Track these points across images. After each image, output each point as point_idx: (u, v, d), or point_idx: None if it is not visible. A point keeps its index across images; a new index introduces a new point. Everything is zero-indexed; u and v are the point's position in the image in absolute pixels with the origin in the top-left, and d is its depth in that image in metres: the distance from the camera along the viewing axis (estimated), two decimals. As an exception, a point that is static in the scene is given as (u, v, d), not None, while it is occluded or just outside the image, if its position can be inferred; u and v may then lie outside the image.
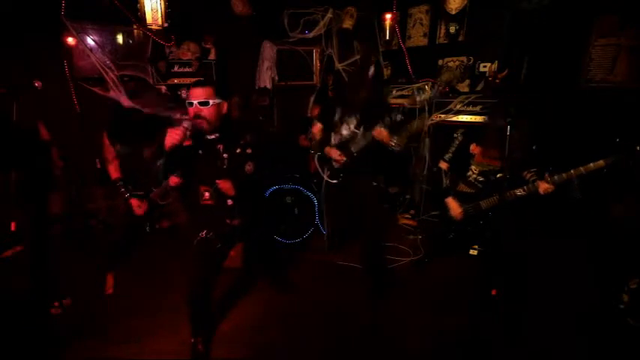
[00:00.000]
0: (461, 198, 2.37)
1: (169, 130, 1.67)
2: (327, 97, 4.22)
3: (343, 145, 2.41)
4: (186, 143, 1.78)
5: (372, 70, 2.31)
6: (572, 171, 1.97)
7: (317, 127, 2.58)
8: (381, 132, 2.21)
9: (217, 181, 1.82)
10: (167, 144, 1.65)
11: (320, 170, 2.53)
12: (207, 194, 1.89)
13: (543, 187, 2.01)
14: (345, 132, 2.43)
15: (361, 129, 2.36)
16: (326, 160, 2.50)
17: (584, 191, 2.19)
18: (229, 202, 1.89)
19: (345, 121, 2.43)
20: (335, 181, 2.48)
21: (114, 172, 2.41)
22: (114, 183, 2.42)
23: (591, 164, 1.92)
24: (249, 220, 2.03)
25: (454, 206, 2.36)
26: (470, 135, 2.43)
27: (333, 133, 2.48)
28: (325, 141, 2.50)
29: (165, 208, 2.59)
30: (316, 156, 2.56)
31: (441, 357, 2.03)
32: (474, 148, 2.35)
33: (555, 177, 2.01)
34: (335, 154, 2.41)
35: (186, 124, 1.73)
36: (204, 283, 1.93)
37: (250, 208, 2.02)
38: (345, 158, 2.39)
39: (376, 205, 2.52)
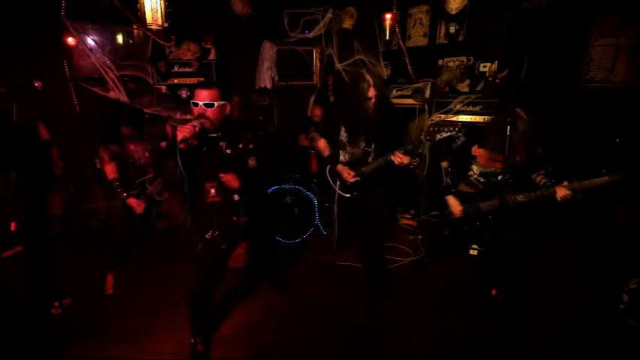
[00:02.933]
0: (461, 198, 2.36)
1: (178, 127, 1.70)
2: (327, 98, 4.22)
3: (353, 164, 2.36)
4: (194, 143, 1.79)
5: (371, 91, 2.18)
6: (575, 183, 1.94)
7: (322, 143, 2.50)
8: (402, 159, 2.16)
9: (221, 174, 1.83)
10: (178, 137, 1.66)
11: (332, 183, 2.50)
12: (212, 191, 1.90)
13: (562, 192, 1.97)
14: (354, 150, 2.37)
15: (372, 147, 2.31)
16: (337, 175, 2.45)
17: (585, 192, 2.18)
18: (235, 197, 1.90)
19: (353, 139, 2.35)
20: (348, 195, 2.45)
21: (110, 172, 2.42)
22: (110, 183, 2.43)
23: (596, 180, 1.90)
24: (254, 218, 2.03)
25: (454, 204, 2.36)
26: (471, 136, 2.42)
27: (341, 150, 2.42)
28: (334, 157, 2.44)
29: (162, 206, 2.59)
30: (327, 169, 2.51)
31: (441, 357, 2.03)
32: (475, 150, 2.33)
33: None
34: (346, 174, 2.36)
35: (195, 122, 1.75)
36: (207, 284, 1.94)
37: (256, 206, 2.02)
38: (356, 179, 2.35)
39: (380, 209, 2.50)
